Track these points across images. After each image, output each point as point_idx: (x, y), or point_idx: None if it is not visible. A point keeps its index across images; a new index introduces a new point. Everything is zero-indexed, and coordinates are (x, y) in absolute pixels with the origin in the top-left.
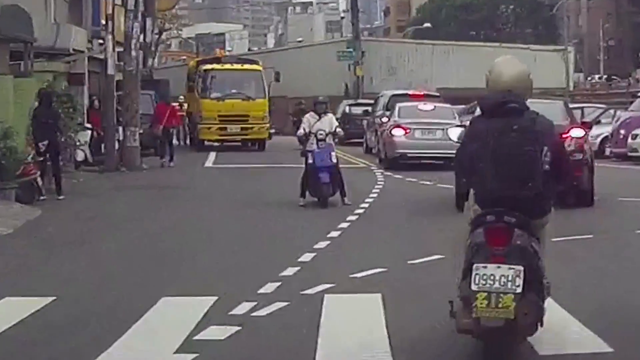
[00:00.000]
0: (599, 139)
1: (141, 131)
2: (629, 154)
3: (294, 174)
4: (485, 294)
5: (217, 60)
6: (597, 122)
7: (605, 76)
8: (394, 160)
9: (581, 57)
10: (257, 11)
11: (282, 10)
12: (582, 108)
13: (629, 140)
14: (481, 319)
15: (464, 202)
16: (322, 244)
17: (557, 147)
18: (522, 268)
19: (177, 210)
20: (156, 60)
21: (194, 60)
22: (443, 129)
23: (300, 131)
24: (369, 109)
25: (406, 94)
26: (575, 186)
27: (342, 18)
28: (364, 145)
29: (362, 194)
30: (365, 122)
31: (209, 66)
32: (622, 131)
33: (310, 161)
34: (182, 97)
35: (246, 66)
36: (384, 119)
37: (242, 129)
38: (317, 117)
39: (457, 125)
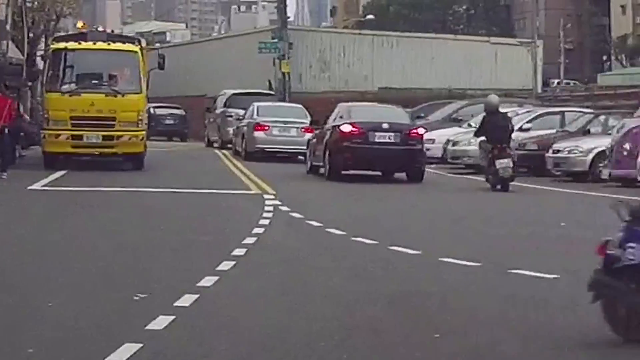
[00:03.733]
0: (590, 156)
1: None
2: (639, 178)
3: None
4: None
5: (81, 37)
6: (586, 131)
7: (565, 81)
8: (253, 154)
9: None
10: (204, 12)
11: (226, 9)
12: (562, 113)
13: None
14: None
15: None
16: None
17: None
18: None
19: None
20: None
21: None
22: (297, 128)
23: None
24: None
25: (248, 93)
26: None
27: (288, 17)
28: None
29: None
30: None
31: (61, 45)
32: (627, 145)
33: None
34: None
35: (115, 45)
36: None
37: (104, 137)
38: None
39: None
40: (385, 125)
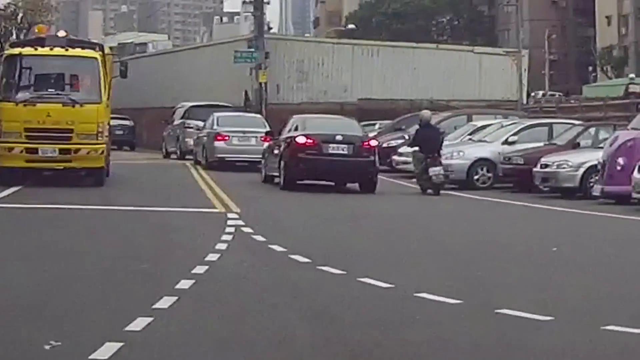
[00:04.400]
0: (580, 171)
1: None
2: (634, 195)
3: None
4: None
5: (38, 42)
6: (576, 144)
7: (550, 93)
8: (213, 163)
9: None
10: (187, 23)
11: (209, 20)
12: (549, 125)
13: (635, 173)
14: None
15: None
16: None
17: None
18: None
19: None
20: None
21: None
22: (256, 137)
23: None
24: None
25: (206, 105)
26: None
27: (270, 29)
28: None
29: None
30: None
31: (16, 50)
32: (621, 160)
33: None
34: None
35: (73, 51)
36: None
37: (61, 151)
38: None
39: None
40: (338, 137)
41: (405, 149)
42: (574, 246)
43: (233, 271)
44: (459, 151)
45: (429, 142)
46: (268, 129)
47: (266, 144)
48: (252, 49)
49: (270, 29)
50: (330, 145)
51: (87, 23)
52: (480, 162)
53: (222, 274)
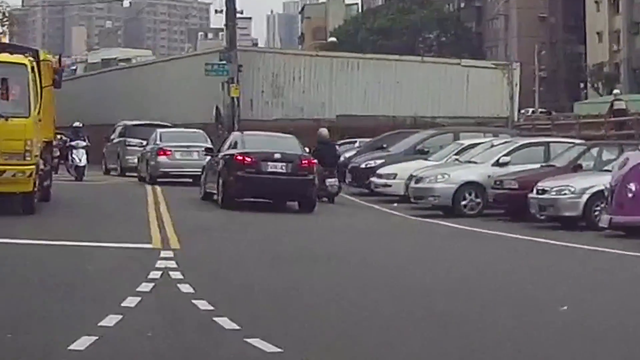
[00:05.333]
0: (584, 198)
1: None
2: None
3: None
4: None
5: None
6: (577, 166)
7: (541, 110)
8: (157, 178)
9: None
10: (172, 39)
11: (194, 37)
12: (546, 144)
13: None
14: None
15: None
16: None
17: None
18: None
19: None
20: None
21: None
22: (198, 151)
23: None
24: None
25: (145, 124)
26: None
27: (255, 45)
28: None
29: None
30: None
31: None
32: (633, 185)
33: None
34: None
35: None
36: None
37: None
38: None
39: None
40: (277, 155)
41: (385, 170)
42: (587, 302)
43: (125, 350)
44: (444, 174)
45: (326, 157)
46: (209, 144)
47: (207, 159)
48: (224, 62)
49: (255, 45)
50: (269, 163)
51: (71, 38)
52: (468, 186)
53: (107, 352)
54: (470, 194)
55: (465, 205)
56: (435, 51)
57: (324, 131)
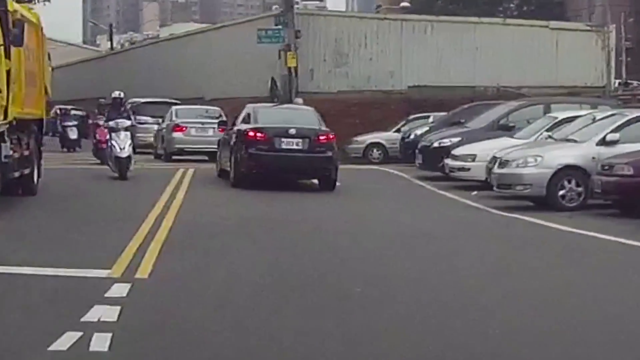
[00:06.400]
0: None
1: None
2: None
3: None
4: None
5: None
6: None
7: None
8: (172, 154)
9: None
10: (251, 15)
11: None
12: None
13: None
14: None
15: None
16: None
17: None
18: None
19: None
20: None
21: None
22: (214, 128)
23: None
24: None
25: (156, 102)
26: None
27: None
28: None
29: None
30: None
31: None
32: None
33: None
34: None
35: None
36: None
37: None
38: None
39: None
40: (292, 131)
41: (462, 151)
42: None
43: None
44: (536, 156)
45: None
46: (224, 119)
47: (221, 135)
48: (280, 27)
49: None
50: (283, 140)
51: (142, 13)
52: (567, 171)
53: None
54: (569, 182)
55: (563, 196)
56: (516, 6)
57: (299, 101)
